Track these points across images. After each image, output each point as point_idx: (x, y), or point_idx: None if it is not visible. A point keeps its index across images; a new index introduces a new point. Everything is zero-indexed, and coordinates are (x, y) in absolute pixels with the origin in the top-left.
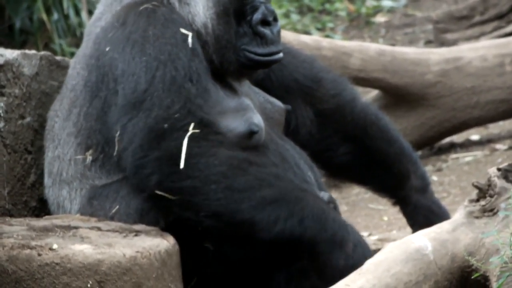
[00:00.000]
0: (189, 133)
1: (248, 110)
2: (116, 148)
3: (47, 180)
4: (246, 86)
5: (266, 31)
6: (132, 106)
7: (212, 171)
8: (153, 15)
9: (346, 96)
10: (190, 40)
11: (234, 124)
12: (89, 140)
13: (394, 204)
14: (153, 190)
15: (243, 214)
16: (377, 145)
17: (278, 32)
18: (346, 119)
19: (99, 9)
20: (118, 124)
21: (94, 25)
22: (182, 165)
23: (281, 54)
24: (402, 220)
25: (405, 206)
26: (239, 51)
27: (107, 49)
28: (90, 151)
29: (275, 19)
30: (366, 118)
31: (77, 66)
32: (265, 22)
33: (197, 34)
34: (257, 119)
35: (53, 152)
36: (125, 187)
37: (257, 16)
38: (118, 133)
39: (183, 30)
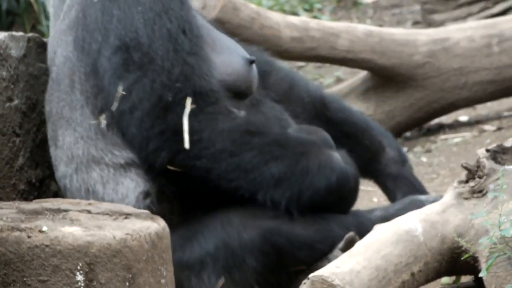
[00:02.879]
0: (187, 110)
1: (236, 43)
2: (116, 105)
3: (65, 169)
4: None
5: None
6: (138, 65)
7: (217, 148)
8: None
9: (295, 77)
10: None
11: (232, 57)
12: (98, 102)
13: (375, 182)
14: (163, 166)
15: (256, 194)
16: (341, 117)
17: None
18: (303, 97)
19: None
20: (121, 80)
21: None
22: (187, 146)
23: None
24: None
25: (385, 178)
26: None
27: (95, 0)
28: (103, 115)
29: None
30: (322, 95)
31: (62, 39)
32: None
33: None
34: (246, 53)
35: (72, 136)
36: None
37: None
38: (122, 88)
39: None
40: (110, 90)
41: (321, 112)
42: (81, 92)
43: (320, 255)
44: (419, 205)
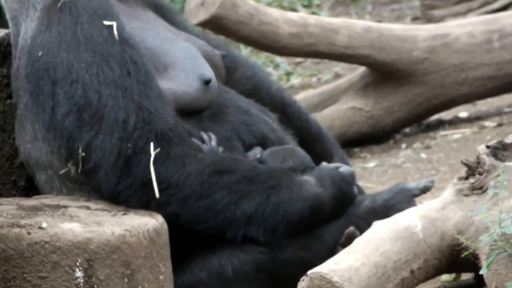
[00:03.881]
0: (152, 158)
1: (196, 57)
2: (80, 166)
3: (49, 193)
4: (182, 34)
5: None
6: (91, 124)
7: (186, 193)
8: (75, 11)
9: (261, 77)
10: (115, 31)
11: (187, 80)
12: (62, 151)
13: None
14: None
15: (231, 233)
16: (297, 124)
17: None
18: (264, 100)
19: (23, 26)
20: (78, 140)
21: (23, 38)
22: (157, 195)
23: None
24: None
25: None
26: None
27: (39, 54)
28: (70, 161)
29: None
30: (282, 98)
31: (22, 83)
32: None
33: None
34: (206, 67)
35: (46, 174)
36: None
37: None
38: (81, 149)
39: (106, 22)
40: (72, 149)
41: (279, 117)
42: (43, 142)
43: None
44: (408, 194)
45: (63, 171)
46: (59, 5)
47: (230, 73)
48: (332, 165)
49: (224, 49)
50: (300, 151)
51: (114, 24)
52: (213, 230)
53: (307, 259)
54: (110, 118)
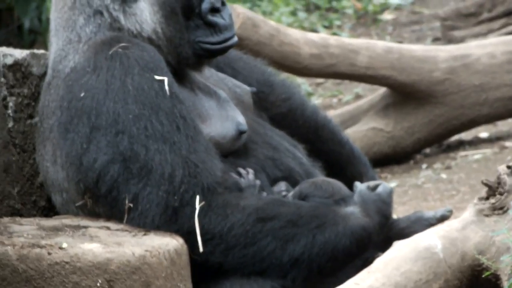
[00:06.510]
0: (197, 211)
1: (229, 108)
2: (126, 216)
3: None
4: (213, 75)
5: (217, 19)
6: (138, 177)
7: (230, 243)
8: (126, 62)
9: (297, 100)
10: (166, 86)
11: (223, 130)
12: (81, 184)
13: None
14: None
15: (277, 276)
16: (329, 147)
17: (229, 16)
18: (298, 122)
19: (56, 44)
20: (126, 191)
21: (60, 62)
22: (201, 249)
23: (235, 38)
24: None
25: None
26: (194, 45)
27: (82, 94)
28: (88, 194)
29: (223, 3)
30: (317, 120)
31: (51, 104)
32: (214, 10)
33: (149, 41)
34: (241, 117)
35: (60, 197)
36: None
37: (205, 6)
38: (127, 200)
39: (157, 77)
40: (111, 197)
41: (312, 141)
42: (62, 168)
43: None
44: (425, 223)
45: (79, 203)
46: (110, 52)
47: (264, 98)
48: (371, 183)
49: (259, 72)
50: (341, 186)
51: (166, 79)
52: (255, 274)
53: None
54: (158, 172)
